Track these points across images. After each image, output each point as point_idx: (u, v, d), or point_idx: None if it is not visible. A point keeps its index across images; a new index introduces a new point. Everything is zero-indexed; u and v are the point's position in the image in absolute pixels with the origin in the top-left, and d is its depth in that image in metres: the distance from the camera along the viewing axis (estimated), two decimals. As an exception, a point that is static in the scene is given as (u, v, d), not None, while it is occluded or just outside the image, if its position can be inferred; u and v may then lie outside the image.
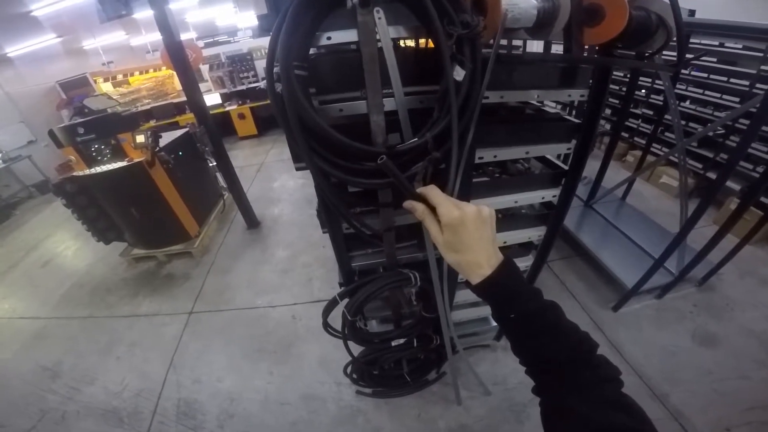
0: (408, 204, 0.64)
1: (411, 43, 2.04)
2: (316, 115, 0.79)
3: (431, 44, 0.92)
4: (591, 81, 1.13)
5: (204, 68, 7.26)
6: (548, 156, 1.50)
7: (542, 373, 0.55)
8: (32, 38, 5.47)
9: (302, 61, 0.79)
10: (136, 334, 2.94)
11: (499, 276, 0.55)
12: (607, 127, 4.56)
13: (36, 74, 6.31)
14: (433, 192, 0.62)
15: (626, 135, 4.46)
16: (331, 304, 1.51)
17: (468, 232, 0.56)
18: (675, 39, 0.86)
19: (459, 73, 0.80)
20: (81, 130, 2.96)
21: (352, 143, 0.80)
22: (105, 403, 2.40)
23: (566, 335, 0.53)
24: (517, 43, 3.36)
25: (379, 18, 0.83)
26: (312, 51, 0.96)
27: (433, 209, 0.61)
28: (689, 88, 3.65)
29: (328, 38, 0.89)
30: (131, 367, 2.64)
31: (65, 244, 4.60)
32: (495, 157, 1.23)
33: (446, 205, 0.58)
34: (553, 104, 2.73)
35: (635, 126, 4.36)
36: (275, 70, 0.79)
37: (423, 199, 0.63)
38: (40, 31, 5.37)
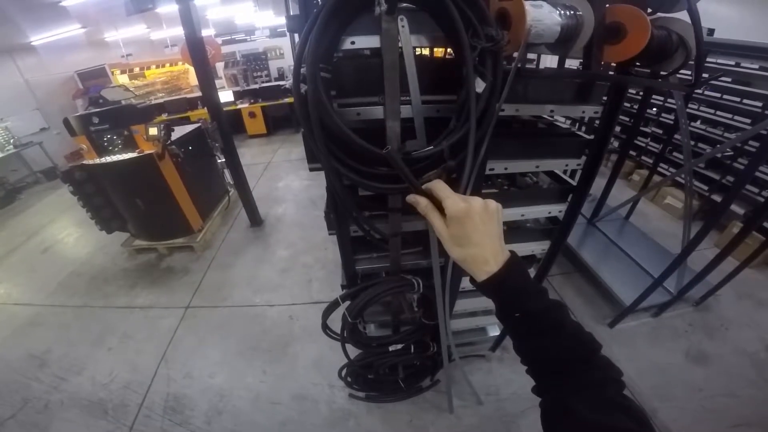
0: (411, 198, 0.63)
1: (426, 51, 2.08)
2: (337, 118, 0.81)
3: (448, 54, 0.94)
4: (605, 98, 1.15)
5: (219, 65, 7.37)
6: (557, 171, 1.52)
7: (544, 372, 0.54)
8: (57, 28, 5.54)
9: (327, 64, 0.82)
10: (130, 325, 2.93)
11: (506, 273, 0.54)
12: (616, 144, 4.56)
13: (56, 63, 6.43)
14: (439, 185, 0.60)
15: (634, 153, 4.46)
16: (332, 306, 1.51)
17: (474, 225, 0.54)
18: (693, 59, 0.87)
19: (479, 85, 0.82)
20: (96, 120, 3.01)
21: (370, 147, 0.82)
22: (91, 394, 2.38)
23: (571, 335, 0.52)
24: (530, 56, 3.40)
25: (403, 26, 0.86)
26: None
27: (438, 206, 0.59)
28: (701, 108, 3.66)
29: (352, 42, 0.91)
30: (122, 359, 2.62)
31: (67, 230, 4.62)
32: (506, 169, 1.25)
33: (453, 197, 0.57)
34: (563, 119, 2.77)
35: (644, 145, 4.36)
36: (302, 71, 0.81)
37: (428, 195, 0.61)
38: (66, 21, 5.45)
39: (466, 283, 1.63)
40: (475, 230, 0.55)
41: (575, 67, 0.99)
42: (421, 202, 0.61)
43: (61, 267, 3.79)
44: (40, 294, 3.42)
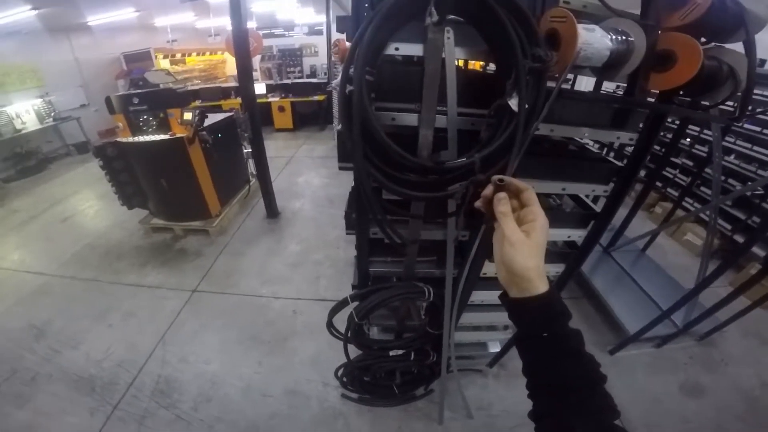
0: (500, 195, 0.57)
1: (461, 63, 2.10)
2: (377, 122, 0.83)
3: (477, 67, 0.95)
4: (641, 126, 1.13)
5: (256, 58, 7.56)
6: (581, 195, 1.50)
7: (552, 395, 0.54)
8: (113, 10, 5.82)
9: (372, 67, 0.84)
10: (135, 304, 2.93)
11: (553, 293, 0.54)
12: (642, 173, 4.43)
13: (106, 44, 6.79)
14: (528, 188, 0.57)
15: (659, 185, 4.27)
16: (341, 305, 1.51)
17: (545, 238, 0.54)
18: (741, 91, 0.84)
19: (516, 103, 0.83)
20: (136, 101, 3.14)
21: (405, 154, 0.83)
22: (82, 369, 2.34)
23: (587, 361, 0.54)
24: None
25: (448, 38, 0.88)
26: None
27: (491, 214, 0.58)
28: (737, 142, 3.50)
29: (396, 48, 0.93)
30: (121, 336, 2.61)
31: (89, 202, 4.77)
32: (532, 188, 1.24)
33: (539, 204, 0.55)
34: (591, 143, 2.68)
35: (671, 176, 4.18)
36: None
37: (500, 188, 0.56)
38: (122, 4, 5.72)
39: (475, 297, 1.61)
40: (545, 243, 0.55)
41: (612, 91, 0.98)
42: (501, 196, 0.57)
43: (77, 238, 3.89)
44: (52, 264, 3.46)
